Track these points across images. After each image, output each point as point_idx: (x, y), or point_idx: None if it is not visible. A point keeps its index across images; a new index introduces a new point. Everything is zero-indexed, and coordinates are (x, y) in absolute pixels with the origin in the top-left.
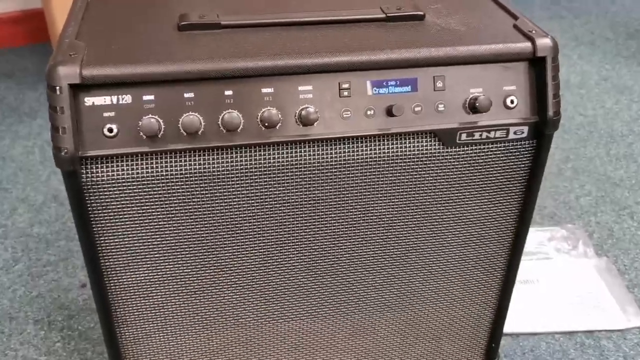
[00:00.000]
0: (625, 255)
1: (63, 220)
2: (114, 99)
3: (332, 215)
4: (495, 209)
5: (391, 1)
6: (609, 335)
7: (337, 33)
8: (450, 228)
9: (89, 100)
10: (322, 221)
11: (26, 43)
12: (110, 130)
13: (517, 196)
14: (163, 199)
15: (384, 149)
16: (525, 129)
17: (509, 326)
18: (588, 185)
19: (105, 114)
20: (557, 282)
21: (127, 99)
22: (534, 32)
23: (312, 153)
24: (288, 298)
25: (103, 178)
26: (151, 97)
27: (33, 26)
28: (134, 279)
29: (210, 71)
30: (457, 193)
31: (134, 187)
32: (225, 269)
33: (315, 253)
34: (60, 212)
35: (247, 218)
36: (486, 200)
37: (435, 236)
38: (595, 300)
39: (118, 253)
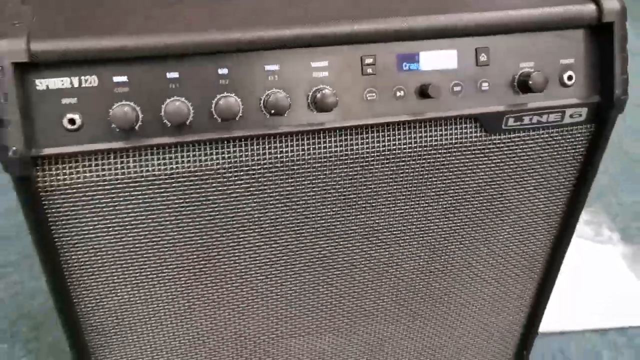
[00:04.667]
0: None
1: None
2: (75, 80)
3: (355, 217)
4: (541, 204)
5: None
6: None
7: None
8: (490, 223)
9: (41, 83)
10: (343, 224)
11: None
12: (72, 121)
13: (566, 189)
14: (143, 205)
15: (416, 137)
16: (584, 111)
17: None
18: (604, 162)
19: (65, 101)
20: (583, 274)
21: (92, 80)
22: None
23: (329, 145)
24: (301, 314)
25: (65, 183)
26: (124, 79)
27: None
28: (110, 302)
29: (200, 44)
30: (498, 187)
31: (105, 192)
32: (222, 286)
33: (335, 260)
34: None
35: (249, 225)
36: (530, 195)
37: (473, 233)
38: (625, 294)
39: (88, 273)
